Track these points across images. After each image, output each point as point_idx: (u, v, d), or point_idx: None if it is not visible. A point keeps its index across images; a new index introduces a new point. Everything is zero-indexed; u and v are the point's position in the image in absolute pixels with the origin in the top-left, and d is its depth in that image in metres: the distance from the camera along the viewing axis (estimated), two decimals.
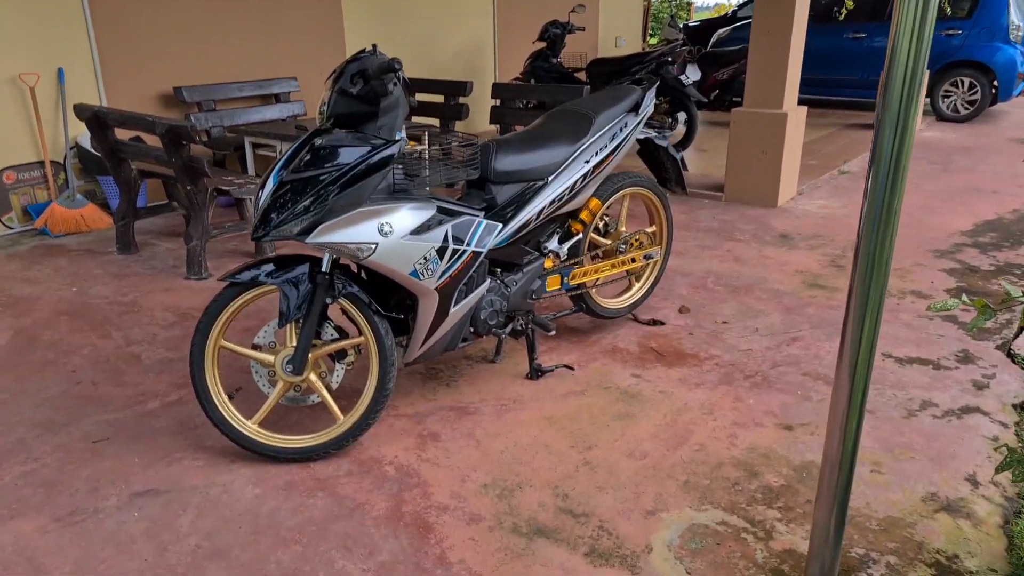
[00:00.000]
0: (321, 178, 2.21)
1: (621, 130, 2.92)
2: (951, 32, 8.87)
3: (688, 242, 4.66)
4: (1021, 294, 1.57)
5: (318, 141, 2.27)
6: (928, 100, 9.26)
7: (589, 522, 2.15)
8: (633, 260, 3.19)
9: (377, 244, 2.25)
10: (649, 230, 3.31)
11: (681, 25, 10.83)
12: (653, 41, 13.58)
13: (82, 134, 5.26)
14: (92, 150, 5.12)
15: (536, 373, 2.93)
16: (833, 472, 1.74)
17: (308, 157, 2.24)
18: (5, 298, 3.91)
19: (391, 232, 2.27)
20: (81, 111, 4.43)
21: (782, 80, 5.09)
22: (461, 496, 2.27)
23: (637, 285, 3.40)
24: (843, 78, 9.40)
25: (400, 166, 2.38)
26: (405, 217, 2.31)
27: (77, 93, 5.24)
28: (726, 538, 2.09)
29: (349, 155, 2.24)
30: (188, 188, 4.16)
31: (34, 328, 3.54)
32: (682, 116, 6.80)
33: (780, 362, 3.09)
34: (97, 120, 4.39)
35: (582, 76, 7.24)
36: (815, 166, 6.45)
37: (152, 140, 4.98)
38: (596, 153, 2.83)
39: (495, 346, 3.14)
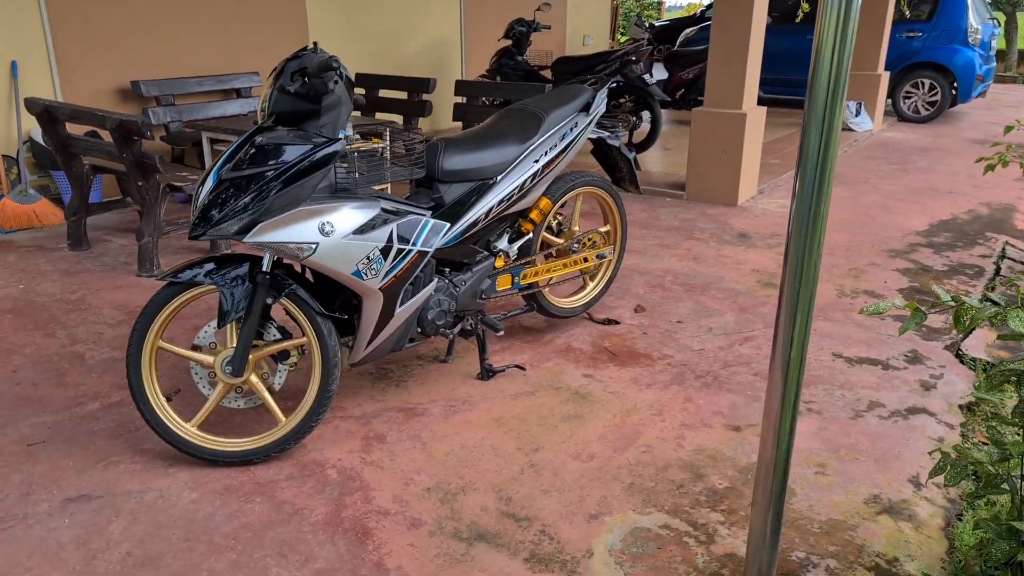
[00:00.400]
0: (261, 176, 2.16)
1: (571, 130, 2.90)
2: (912, 34, 8.99)
3: (647, 240, 4.66)
4: (949, 298, 1.57)
5: (259, 139, 2.22)
6: (890, 101, 9.38)
7: (531, 526, 2.13)
8: (586, 260, 3.18)
9: (318, 244, 2.21)
10: (602, 229, 3.30)
11: (647, 24, 10.86)
12: (623, 39, 13.61)
13: (36, 128, 5.14)
14: (45, 144, 4.99)
15: (487, 373, 2.90)
16: (768, 474, 1.73)
17: (249, 155, 2.19)
18: None
19: (332, 231, 2.23)
20: (32, 105, 4.32)
21: (741, 81, 5.12)
22: (403, 500, 2.24)
23: (591, 284, 3.39)
24: (807, 78, 9.48)
25: (344, 164, 2.35)
26: (348, 216, 2.28)
27: (31, 86, 5.12)
28: (668, 542, 2.08)
29: (290, 153, 2.20)
30: (140, 184, 4.08)
31: None
32: (646, 115, 6.81)
33: (732, 362, 3.10)
34: (48, 114, 4.29)
35: (548, 74, 7.23)
36: (777, 165, 6.50)
37: (107, 135, 4.88)
38: (546, 152, 2.81)
39: (447, 345, 3.11)
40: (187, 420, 2.40)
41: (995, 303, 1.67)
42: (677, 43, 10.74)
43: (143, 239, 4.10)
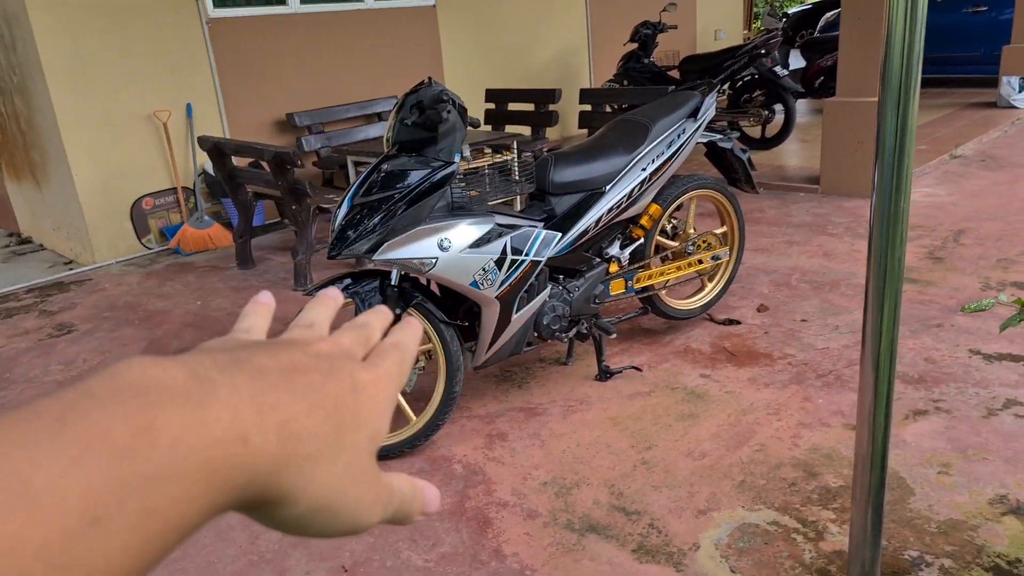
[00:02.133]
0: (387, 200, 2.42)
1: (679, 136, 2.97)
2: None
3: (776, 238, 4.58)
4: None
5: (385, 166, 2.48)
6: None
7: (640, 520, 2.24)
8: (700, 262, 3.22)
9: (437, 259, 2.43)
10: (719, 231, 3.33)
11: (783, 13, 10.48)
12: (759, 28, 13.18)
13: (208, 162, 5.80)
14: (215, 176, 5.64)
15: (604, 375, 3.02)
16: (864, 470, 1.75)
17: (377, 181, 2.46)
18: (142, 312, 4.41)
19: (450, 247, 2.45)
20: (203, 142, 4.91)
21: (876, 67, 4.90)
22: (521, 493, 2.41)
23: (710, 285, 3.42)
24: (964, 55, 8.81)
25: (462, 185, 2.57)
26: (463, 232, 2.49)
27: (203, 125, 5.79)
28: (775, 538, 2.12)
29: (412, 177, 2.44)
30: (294, 207, 4.54)
31: (164, 338, 3.98)
32: (779, 108, 6.63)
33: (857, 361, 3.03)
34: (217, 149, 4.86)
35: (675, 74, 7.20)
36: (924, 151, 6.13)
37: (266, 165, 5.43)
38: (653, 160, 2.90)
39: (567, 349, 3.26)
40: None
41: None
42: (817, 28, 10.31)
43: (297, 257, 4.55)
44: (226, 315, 4.23)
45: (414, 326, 0.42)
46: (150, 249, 5.71)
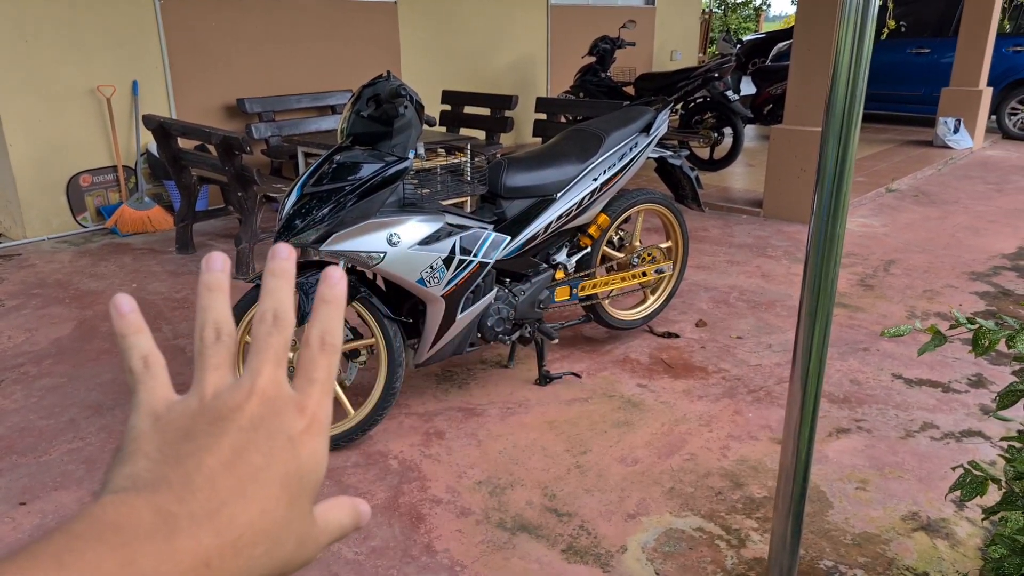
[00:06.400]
0: (338, 191, 2.40)
1: (631, 150, 3.04)
2: (1019, 48, 8.59)
3: (718, 257, 4.71)
4: (966, 320, 1.63)
5: (338, 157, 2.46)
6: (994, 118, 8.98)
7: (571, 521, 2.28)
8: (644, 274, 3.29)
9: (385, 253, 2.43)
10: (663, 245, 3.40)
11: (738, 40, 10.77)
12: (714, 52, 13.52)
13: (152, 142, 5.65)
14: (159, 157, 5.50)
15: (544, 379, 3.06)
16: (788, 482, 1.82)
17: (329, 172, 2.44)
18: (73, 291, 4.26)
19: (399, 242, 2.45)
20: (148, 121, 4.79)
21: (823, 98, 5.09)
22: (455, 491, 2.42)
23: (651, 298, 3.49)
24: (906, 93, 9.21)
25: (414, 182, 2.57)
26: (413, 228, 2.49)
27: (150, 104, 5.64)
28: (700, 543, 2.18)
29: (364, 170, 2.43)
30: (239, 194, 4.46)
31: (95, 320, 3.86)
32: (729, 131, 6.82)
33: (787, 378, 3.14)
34: (162, 130, 4.74)
35: (630, 91, 7.33)
36: (862, 183, 6.38)
37: (213, 149, 5.32)
38: (604, 171, 2.96)
39: (509, 352, 3.29)
40: None
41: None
42: (770, 57, 10.62)
43: (240, 245, 4.47)
44: (162, 299, 4.13)
45: (336, 285, 0.40)
46: (85, 227, 5.52)
